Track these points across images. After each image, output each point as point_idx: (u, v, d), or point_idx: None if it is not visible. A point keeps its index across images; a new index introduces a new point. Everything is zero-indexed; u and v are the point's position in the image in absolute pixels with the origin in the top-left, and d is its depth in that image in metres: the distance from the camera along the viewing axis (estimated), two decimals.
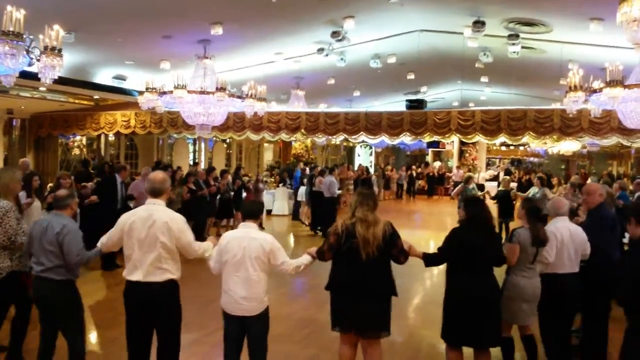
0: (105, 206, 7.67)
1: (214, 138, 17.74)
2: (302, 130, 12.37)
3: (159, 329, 3.61)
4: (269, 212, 14.29)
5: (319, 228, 11.73)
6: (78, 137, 16.43)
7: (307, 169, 16.30)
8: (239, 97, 9.29)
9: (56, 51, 5.50)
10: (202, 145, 20.32)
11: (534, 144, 18.82)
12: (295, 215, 13.94)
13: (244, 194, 11.94)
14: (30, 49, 5.33)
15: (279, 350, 4.37)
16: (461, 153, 24.31)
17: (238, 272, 3.55)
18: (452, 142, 22.89)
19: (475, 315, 3.75)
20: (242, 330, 3.62)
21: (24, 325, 4.29)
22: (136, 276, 3.51)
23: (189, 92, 8.87)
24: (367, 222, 3.60)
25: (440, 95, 18.43)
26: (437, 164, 24.84)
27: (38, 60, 5.48)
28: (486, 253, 3.87)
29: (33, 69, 5.69)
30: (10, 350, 4.22)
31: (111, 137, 16.16)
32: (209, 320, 4.36)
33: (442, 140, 16.98)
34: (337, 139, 14.71)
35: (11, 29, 4.88)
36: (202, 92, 8.88)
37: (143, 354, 3.63)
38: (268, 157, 23.26)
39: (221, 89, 8.78)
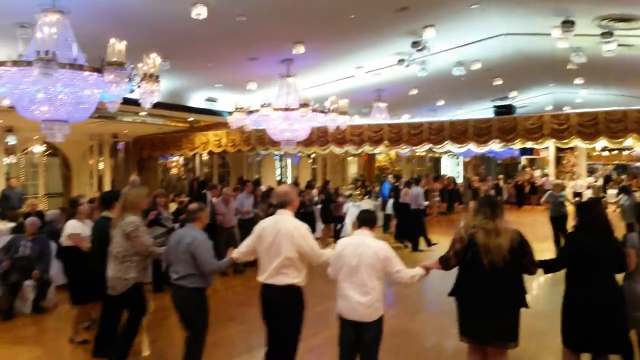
0: None
1: (299, 153, 18.19)
2: (385, 142, 12.33)
3: (277, 328, 3.87)
4: None
5: (404, 240, 11.58)
6: (175, 158, 17.60)
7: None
8: (322, 112, 9.51)
9: (154, 78, 5.99)
10: (288, 161, 20.93)
11: None
12: (387, 227, 13.70)
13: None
14: (131, 77, 5.85)
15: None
16: (558, 160, 22.91)
17: (353, 278, 3.68)
18: (547, 149, 21.63)
19: (598, 322, 3.66)
20: (357, 335, 3.72)
21: (133, 333, 4.60)
22: (263, 279, 3.85)
23: (274, 109, 9.24)
24: (487, 230, 3.60)
25: (531, 100, 17.56)
26: (538, 172, 23.55)
27: (138, 87, 5.99)
28: (606, 258, 3.76)
29: (134, 95, 6.22)
30: (120, 352, 4.55)
31: (205, 156, 17.13)
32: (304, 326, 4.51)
33: (535, 146, 16.10)
34: (422, 149, 14.48)
35: (114, 59, 5.37)
36: (287, 109, 9.21)
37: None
38: (353, 170, 23.40)
39: (304, 105, 9.04)
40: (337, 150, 13.62)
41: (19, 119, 9.87)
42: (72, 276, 5.58)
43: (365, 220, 3.89)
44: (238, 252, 4.17)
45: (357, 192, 17.19)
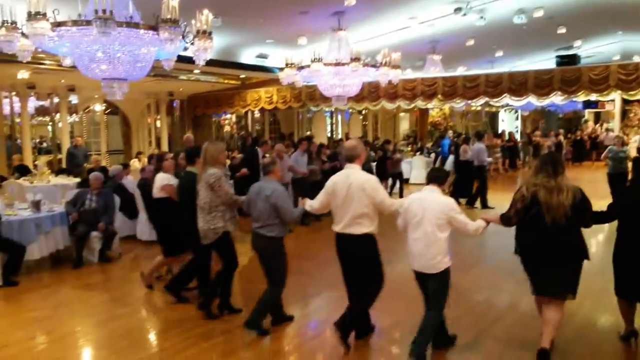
0: (250, 178, 8.28)
1: (350, 109, 18.03)
2: (439, 96, 11.99)
3: (356, 273, 4.16)
4: (407, 180, 14.20)
5: (459, 198, 11.34)
6: (228, 115, 17.88)
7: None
8: (373, 66, 9.30)
9: (207, 35, 6.01)
10: (339, 117, 20.79)
11: None
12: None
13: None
14: (184, 34, 5.89)
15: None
16: (624, 113, 21.54)
17: (418, 231, 3.87)
18: (612, 101, 20.35)
19: None
20: (425, 283, 3.96)
21: (228, 280, 4.89)
22: (338, 228, 4.13)
23: (324, 65, 9.11)
24: (549, 188, 3.68)
25: (597, 50, 16.42)
26: (603, 126, 22.27)
27: (192, 44, 6.04)
28: None
29: (188, 53, 6.28)
30: (221, 300, 4.90)
31: (256, 114, 17.30)
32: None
33: (600, 98, 15.19)
34: (478, 104, 13.96)
35: (168, 16, 5.41)
36: (337, 64, 9.06)
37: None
38: (404, 126, 23.00)
39: (355, 59, 8.86)
40: (389, 105, 13.38)
41: (80, 79, 10.23)
42: (163, 228, 5.71)
43: (435, 177, 4.04)
44: (311, 207, 4.40)
45: (409, 148, 16.97)
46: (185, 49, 6.18)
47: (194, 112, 16.06)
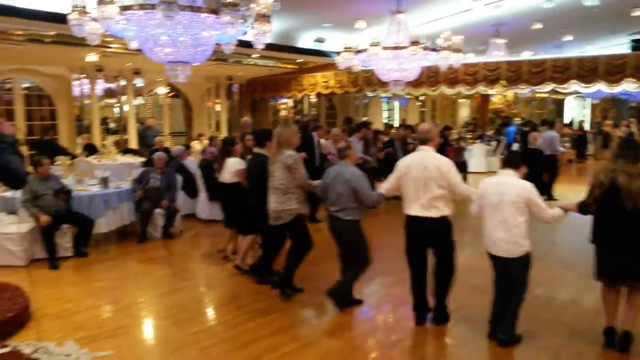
0: (305, 162, 8.33)
1: (407, 95, 17.74)
2: (502, 82, 11.56)
3: (436, 252, 4.24)
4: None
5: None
6: (285, 100, 18.04)
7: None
8: (433, 50, 9.06)
9: (266, 18, 6.06)
10: (396, 103, 20.51)
11: None
12: None
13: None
14: (244, 18, 5.98)
15: (480, 300, 4.53)
16: None
17: (496, 216, 3.85)
18: None
19: None
20: (506, 268, 3.92)
21: (299, 260, 4.95)
22: (414, 211, 4.13)
23: (383, 48, 8.98)
24: (630, 174, 3.62)
25: None
26: None
27: (252, 27, 6.12)
28: None
29: (247, 37, 6.37)
30: (284, 278, 4.99)
31: (313, 99, 17.35)
32: (405, 265, 4.60)
33: None
34: (544, 90, 13.38)
35: (229, 0, 5.49)
36: (396, 48, 8.90)
37: (421, 271, 4.32)
38: (464, 113, 22.36)
39: (414, 42, 8.67)
40: (448, 91, 13.05)
41: (145, 62, 10.60)
42: (238, 212, 5.74)
43: (509, 160, 3.99)
44: (384, 189, 4.40)
45: (469, 135, 16.52)
46: (245, 33, 6.28)
47: (252, 96, 16.31)
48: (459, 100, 21.13)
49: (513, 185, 3.83)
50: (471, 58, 12.32)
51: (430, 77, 12.26)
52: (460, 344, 4.07)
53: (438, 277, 4.31)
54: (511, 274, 3.90)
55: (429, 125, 4.41)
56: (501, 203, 3.80)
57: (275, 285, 5.07)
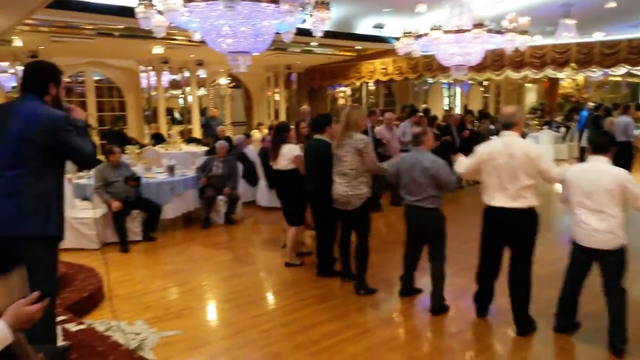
0: None
1: (470, 81, 17.20)
2: (572, 64, 10.97)
3: (515, 247, 3.93)
4: None
5: None
6: (343, 88, 18.00)
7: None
8: (498, 32, 8.71)
9: (325, 5, 6.04)
10: (457, 89, 19.94)
11: None
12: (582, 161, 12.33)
13: None
14: (303, 6, 5.99)
15: (545, 294, 4.34)
16: None
17: (589, 205, 3.58)
18: None
19: None
20: (590, 262, 3.71)
21: (367, 254, 4.79)
22: (497, 202, 3.85)
23: (444, 32, 8.73)
24: None
25: None
26: None
27: (311, 15, 6.12)
28: None
29: (305, 25, 6.38)
30: (358, 277, 4.84)
31: (371, 86, 17.20)
32: (466, 255, 4.52)
33: None
34: (617, 73, 12.57)
35: None
36: (458, 31, 8.63)
37: (494, 265, 4.08)
38: (530, 98, 21.42)
39: (478, 25, 8.37)
40: (514, 75, 12.54)
41: (208, 54, 10.87)
42: (292, 199, 5.62)
43: (598, 145, 3.68)
44: (463, 170, 4.19)
45: (535, 121, 15.84)
46: (304, 21, 6.29)
47: (310, 85, 16.38)
48: (526, 85, 20.25)
49: (606, 172, 3.55)
50: (539, 40, 11.75)
51: (494, 60, 11.82)
52: (524, 337, 3.93)
53: (517, 285, 3.95)
54: (606, 269, 3.62)
55: (514, 108, 4.08)
56: (595, 191, 3.53)
57: (358, 289, 4.83)
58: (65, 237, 3.06)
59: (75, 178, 7.14)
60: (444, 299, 4.42)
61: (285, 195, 5.78)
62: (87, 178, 7.08)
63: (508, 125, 3.89)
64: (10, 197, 2.75)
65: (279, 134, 5.85)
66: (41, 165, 2.81)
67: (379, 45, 13.35)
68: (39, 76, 2.93)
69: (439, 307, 4.37)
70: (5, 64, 11.54)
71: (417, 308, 4.57)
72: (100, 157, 7.04)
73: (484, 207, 3.99)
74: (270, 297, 5.01)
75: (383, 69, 14.00)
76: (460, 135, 10.22)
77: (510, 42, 8.76)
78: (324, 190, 4.89)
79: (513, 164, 3.75)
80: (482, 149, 3.98)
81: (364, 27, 12.27)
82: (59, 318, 3.77)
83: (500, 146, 3.86)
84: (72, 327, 3.82)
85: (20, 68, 10.95)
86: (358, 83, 15.61)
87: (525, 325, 3.96)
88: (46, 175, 2.83)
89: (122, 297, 4.87)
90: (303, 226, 5.74)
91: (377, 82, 15.22)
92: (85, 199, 6.86)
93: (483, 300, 4.26)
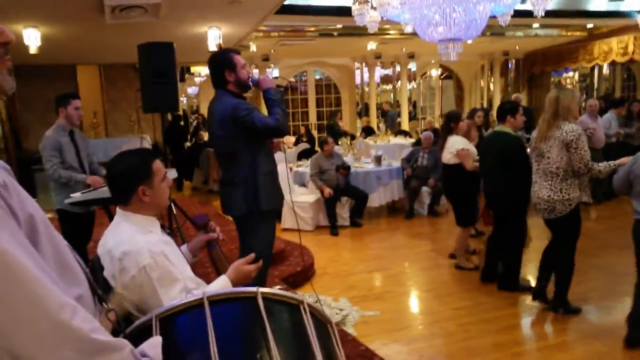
0: None
1: None
2: None
3: None
4: None
5: None
6: (569, 73, 16.16)
7: None
8: None
9: None
10: None
11: None
12: None
13: None
14: None
15: None
16: None
17: None
18: None
19: None
20: None
21: (572, 268, 4.02)
22: None
23: None
24: None
25: None
26: None
27: None
28: None
29: (524, 6, 5.91)
30: (561, 295, 4.08)
31: (605, 71, 15.06)
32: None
33: None
34: None
35: None
36: None
37: None
38: None
39: None
40: None
41: (418, 45, 10.93)
42: (456, 197, 5.23)
43: None
44: None
45: None
46: (523, 1, 5.83)
47: (529, 71, 15.12)
48: None
49: None
50: None
51: None
52: None
53: None
54: None
55: None
56: None
57: (554, 308, 4.10)
58: (286, 219, 3.50)
59: (295, 167, 7.94)
60: None
61: (448, 192, 5.39)
62: (305, 167, 7.79)
63: None
64: (230, 186, 3.27)
65: (447, 124, 5.26)
66: (241, 152, 3.19)
67: (617, 21, 11.60)
68: (214, 70, 3.24)
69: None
70: None
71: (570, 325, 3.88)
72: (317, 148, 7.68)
73: None
74: (470, 292, 4.77)
75: (622, 48, 12.11)
76: None
77: None
78: (506, 193, 4.29)
79: None
80: None
81: (598, 2, 10.79)
82: (276, 287, 4.26)
83: None
84: None
85: (256, 71, 12.57)
86: (589, 66, 13.81)
87: None
88: (246, 162, 3.20)
89: (330, 275, 5.25)
90: (470, 228, 5.34)
91: (613, 63, 13.24)
92: (303, 185, 7.55)
93: None
